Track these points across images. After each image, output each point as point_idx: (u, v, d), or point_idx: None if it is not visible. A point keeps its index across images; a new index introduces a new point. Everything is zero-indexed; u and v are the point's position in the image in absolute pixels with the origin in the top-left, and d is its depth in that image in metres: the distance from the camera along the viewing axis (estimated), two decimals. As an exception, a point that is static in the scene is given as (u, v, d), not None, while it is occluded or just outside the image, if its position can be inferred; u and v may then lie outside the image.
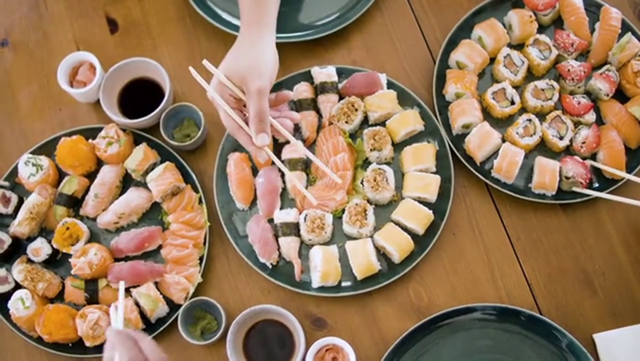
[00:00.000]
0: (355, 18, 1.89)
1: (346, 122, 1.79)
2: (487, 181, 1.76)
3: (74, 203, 1.78)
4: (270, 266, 1.73)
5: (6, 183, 1.79)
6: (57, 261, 1.77)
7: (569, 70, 1.78)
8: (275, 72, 1.50)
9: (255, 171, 1.79)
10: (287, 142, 1.80)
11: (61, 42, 1.96)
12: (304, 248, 1.75)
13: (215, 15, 1.93)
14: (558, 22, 1.89)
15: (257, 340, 1.69)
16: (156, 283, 1.72)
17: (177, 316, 1.67)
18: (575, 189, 1.71)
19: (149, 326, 1.70)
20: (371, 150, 1.76)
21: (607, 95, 1.78)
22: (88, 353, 1.69)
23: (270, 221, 1.75)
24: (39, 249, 1.74)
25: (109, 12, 1.98)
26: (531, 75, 1.85)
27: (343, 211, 1.74)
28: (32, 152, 1.81)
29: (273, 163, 1.78)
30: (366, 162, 1.79)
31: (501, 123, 1.81)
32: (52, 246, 1.74)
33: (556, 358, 1.64)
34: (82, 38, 1.96)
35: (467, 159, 1.77)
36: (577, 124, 1.79)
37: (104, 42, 1.96)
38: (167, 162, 1.77)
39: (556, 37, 1.83)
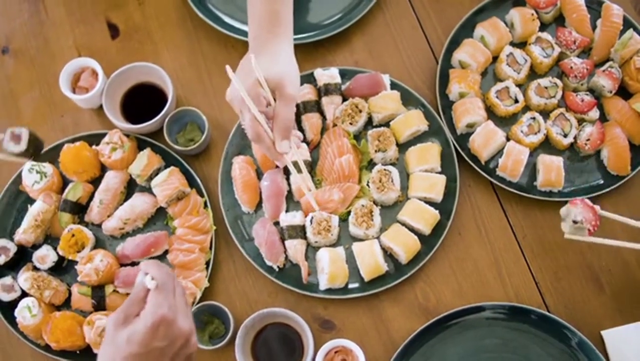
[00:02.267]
0: (357, 19, 1.89)
1: (350, 123, 1.78)
2: (493, 180, 1.76)
3: (78, 210, 1.78)
4: (277, 269, 1.73)
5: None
6: (63, 268, 1.77)
7: (571, 67, 1.79)
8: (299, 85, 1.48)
9: (260, 174, 1.79)
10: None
11: (62, 48, 1.96)
12: (311, 250, 1.75)
13: (217, 19, 1.93)
14: (560, 20, 1.89)
15: (266, 344, 1.69)
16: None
17: (185, 321, 1.66)
18: (580, 237, 1.59)
19: (157, 331, 1.69)
20: (376, 151, 1.76)
21: (610, 92, 1.79)
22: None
23: (276, 223, 1.75)
24: (45, 256, 1.73)
25: (110, 17, 1.98)
26: (534, 73, 1.85)
27: (349, 213, 1.74)
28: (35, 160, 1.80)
29: (277, 167, 1.78)
30: (371, 164, 1.79)
31: (505, 122, 1.81)
32: (57, 253, 1.73)
33: (565, 356, 1.64)
34: (84, 44, 1.96)
35: (472, 159, 1.77)
36: (580, 122, 1.79)
37: (105, 47, 1.95)
38: (172, 167, 1.76)
39: (558, 35, 1.83)
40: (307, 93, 1.82)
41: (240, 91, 1.35)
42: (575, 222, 1.56)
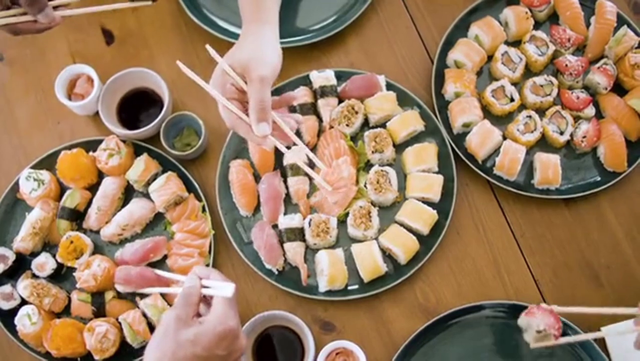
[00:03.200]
0: (351, 21, 1.89)
1: (347, 125, 1.79)
2: (490, 179, 1.76)
3: (76, 217, 1.78)
4: (277, 272, 1.73)
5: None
6: (62, 276, 1.76)
7: (566, 65, 1.79)
8: (278, 66, 1.47)
9: (257, 178, 1.79)
10: (287, 147, 1.80)
11: (57, 55, 1.96)
12: (309, 253, 1.75)
13: (212, 23, 1.93)
14: (554, 18, 1.90)
15: (267, 347, 1.68)
16: (163, 294, 1.71)
17: (185, 326, 1.66)
18: (547, 343, 1.44)
19: (158, 337, 1.69)
20: (373, 152, 1.76)
21: (606, 89, 1.79)
22: (97, 367, 1.68)
23: (275, 226, 1.75)
24: (44, 264, 1.73)
25: (104, 23, 1.98)
26: (529, 71, 1.85)
27: (347, 214, 1.74)
28: (32, 167, 1.80)
29: (275, 169, 1.78)
30: (368, 165, 1.79)
31: (501, 121, 1.81)
32: (56, 260, 1.73)
33: (567, 353, 1.65)
34: (78, 51, 1.96)
35: (469, 158, 1.78)
36: (576, 119, 1.79)
37: (100, 53, 1.95)
38: (169, 172, 1.76)
39: (552, 33, 1.83)
40: (303, 95, 1.82)
41: (197, 82, 1.40)
42: (539, 332, 1.43)
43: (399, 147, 1.80)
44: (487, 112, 1.82)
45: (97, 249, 1.77)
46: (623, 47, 1.80)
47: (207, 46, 1.42)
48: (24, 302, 1.71)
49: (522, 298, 1.71)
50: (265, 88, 1.40)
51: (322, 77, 1.82)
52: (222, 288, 1.30)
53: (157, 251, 1.73)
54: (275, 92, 1.82)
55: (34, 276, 1.74)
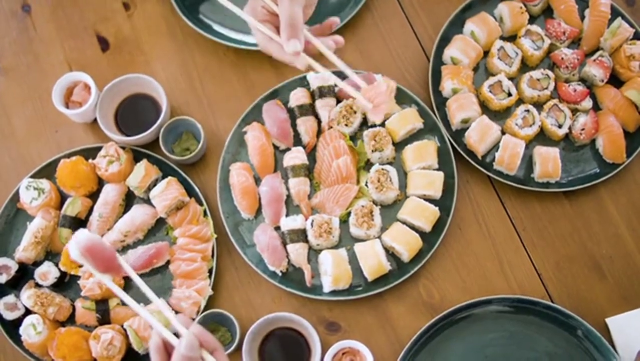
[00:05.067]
0: (346, 21, 1.89)
1: (346, 125, 1.79)
2: (490, 174, 1.77)
3: (78, 224, 1.77)
4: (280, 274, 1.73)
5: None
6: (65, 284, 1.76)
7: (562, 58, 1.80)
8: None
9: (258, 180, 1.79)
10: (288, 149, 1.80)
11: (53, 63, 1.95)
12: (312, 253, 1.75)
13: (207, 27, 1.93)
14: (548, 12, 1.90)
15: (273, 349, 1.68)
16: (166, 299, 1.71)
17: (190, 331, 1.66)
18: None
19: (163, 342, 1.69)
20: (372, 151, 1.76)
21: (602, 80, 1.80)
22: (103, 374, 1.68)
23: (277, 228, 1.75)
24: (47, 273, 1.72)
25: (99, 30, 1.97)
26: (525, 66, 1.86)
27: (349, 214, 1.74)
28: (32, 176, 1.79)
29: (275, 171, 1.78)
30: (368, 164, 1.79)
31: (499, 116, 1.82)
32: (59, 269, 1.72)
33: (572, 345, 1.65)
34: (74, 58, 1.95)
35: (468, 154, 1.78)
36: (574, 112, 1.80)
37: (96, 61, 1.95)
38: (170, 177, 1.76)
39: (547, 27, 1.84)
40: (301, 97, 1.82)
41: (228, 7, 1.38)
42: None
43: (399, 146, 1.80)
44: (485, 107, 1.83)
45: (100, 257, 1.77)
46: (618, 39, 1.81)
47: None
48: (28, 312, 1.71)
49: (525, 291, 1.72)
50: (295, 5, 1.37)
51: (320, 77, 1.82)
52: None
53: (160, 256, 1.73)
54: (272, 94, 1.83)
55: (37, 285, 1.73)
